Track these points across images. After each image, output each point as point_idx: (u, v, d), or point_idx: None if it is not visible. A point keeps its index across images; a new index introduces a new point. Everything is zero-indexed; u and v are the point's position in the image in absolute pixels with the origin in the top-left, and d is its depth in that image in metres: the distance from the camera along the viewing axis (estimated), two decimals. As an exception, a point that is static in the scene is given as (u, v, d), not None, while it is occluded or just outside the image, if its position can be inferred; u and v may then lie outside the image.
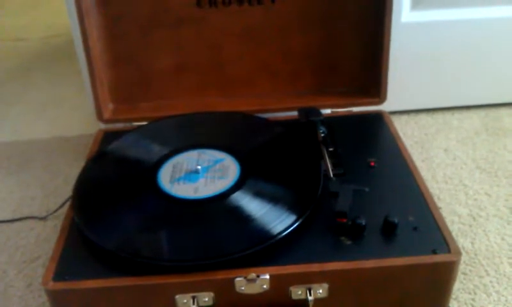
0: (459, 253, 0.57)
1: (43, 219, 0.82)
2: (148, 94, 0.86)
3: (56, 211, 0.81)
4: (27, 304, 0.69)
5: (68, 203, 0.67)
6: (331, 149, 0.71)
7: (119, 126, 0.84)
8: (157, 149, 0.72)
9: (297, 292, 0.56)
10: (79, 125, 1.08)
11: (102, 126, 0.84)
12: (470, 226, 0.76)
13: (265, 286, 0.56)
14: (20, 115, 1.14)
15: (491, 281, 0.68)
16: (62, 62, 1.37)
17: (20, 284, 0.71)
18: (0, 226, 0.81)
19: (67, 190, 0.85)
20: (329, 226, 0.60)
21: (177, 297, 0.56)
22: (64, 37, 1.51)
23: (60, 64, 1.36)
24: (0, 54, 1.46)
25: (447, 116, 1.03)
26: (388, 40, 0.79)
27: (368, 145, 0.75)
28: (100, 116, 0.82)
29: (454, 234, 0.59)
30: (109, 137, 0.79)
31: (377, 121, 0.80)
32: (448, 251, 0.57)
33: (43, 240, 0.78)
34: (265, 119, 0.79)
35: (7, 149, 1.01)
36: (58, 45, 1.47)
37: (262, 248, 0.57)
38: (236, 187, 0.65)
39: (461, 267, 0.69)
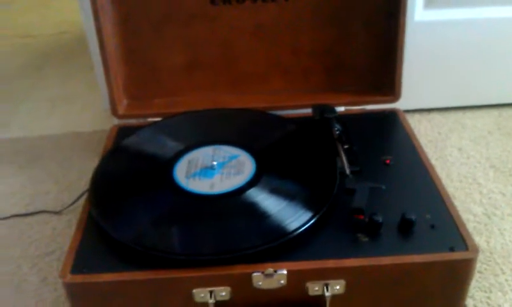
0: (476, 251, 0.57)
1: (58, 213, 0.82)
2: (161, 90, 0.86)
3: (70, 205, 0.82)
4: (42, 298, 0.69)
5: (82, 198, 0.67)
6: (346, 146, 0.71)
7: (132, 121, 0.84)
8: (172, 145, 0.72)
9: (314, 288, 0.56)
10: (90, 121, 1.08)
11: (115, 122, 0.84)
12: (485, 224, 0.76)
13: (282, 282, 0.56)
14: (32, 111, 1.14)
15: (506, 280, 0.68)
16: (72, 59, 1.37)
17: (34, 279, 0.72)
18: (14, 220, 0.82)
19: (80, 185, 0.86)
20: (345, 222, 0.60)
21: (194, 291, 0.56)
22: (74, 34, 1.51)
23: (70, 61, 1.36)
24: (11, 50, 1.47)
25: (459, 115, 1.02)
26: (403, 38, 0.79)
27: (383, 143, 0.75)
28: (114, 111, 0.82)
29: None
30: (123, 132, 0.79)
31: (391, 119, 0.80)
32: (466, 249, 0.57)
33: (57, 234, 0.78)
34: (280, 117, 0.79)
35: (19, 145, 1.01)
36: (68, 42, 1.48)
37: (280, 244, 0.56)
38: (252, 183, 0.65)
39: (477, 265, 0.69)
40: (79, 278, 0.55)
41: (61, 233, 0.78)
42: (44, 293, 0.69)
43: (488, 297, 0.65)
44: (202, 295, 0.56)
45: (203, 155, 0.71)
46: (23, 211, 0.83)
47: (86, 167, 0.90)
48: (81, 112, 1.12)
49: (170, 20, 0.81)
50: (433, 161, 0.88)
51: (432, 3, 0.94)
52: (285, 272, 0.55)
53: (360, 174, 0.67)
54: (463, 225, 0.60)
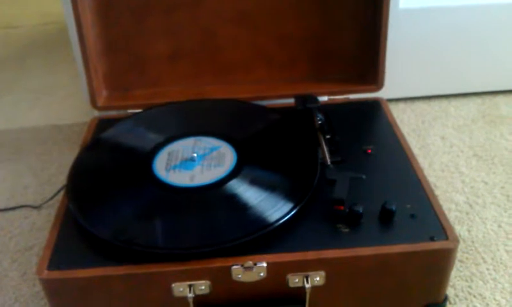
0: (456, 240, 0.57)
1: (37, 207, 0.81)
2: (143, 81, 0.85)
3: (50, 199, 0.81)
4: (21, 293, 0.68)
5: (62, 192, 0.66)
6: (328, 136, 0.70)
7: (113, 113, 0.83)
8: (152, 137, 0.72)
9: (295, 280, 0.56)
10: (73, 113, 1.07)
11: (96, 114, 0.83)
12: (467, 213, 0.76)
13: (262, 274, 0.55)
14: (13, 103, 1.12)
15: (487, 269, 0.68)
16: (55, 50, 1.35)
17: (14, 274, 0.71)
18: (-6, 215, 0.81)
19: (61, 179, 0.85)
20: (326, 213, 0.60)
21: (173, 285, 0.55)
22: (57, 25, 1.49)
23: (53, 52, 1.34)
24: (-8, 41, 1.44)
25: (444, 103, 1.02)
26: (386, 26, 0.78)
27: (366, 132, 0.74)
28: (94, 103, 0.81)
29: (450, 222, 0.58)
30: (103, 124, 0.78)
31: (374, 109, 0.80)
32: (446, 238, 0.57)
33: (37, 229, 0.77)
34: (262, 107, 0.79)
35: (1, 138, 1.00)
36: (51, 33, 1.45)
37: (259, 236, 0.56)
38: (232, 174, 0.64)
39: (458, 254, 0.69)
40: (56, 274, 0.55)
41: (41, 228, 0.77)
42: (24, 289, 0.69)
43: (469, 286, 0.66)
44: (181, 289, 0.55)
45: (184, 147, 0.70)
46: (3, 206, 0.82)
47: (66, 161, 0.89)
48: (64, 104, 1.10)
49: (151, 8, 0.80)
50: (416, 150, 0.88)
51: (416, -10, 0.93)
52: (264, 264, 0.55)
53: (341, 164, 0.67)
54: (443, 214, 0.60)
